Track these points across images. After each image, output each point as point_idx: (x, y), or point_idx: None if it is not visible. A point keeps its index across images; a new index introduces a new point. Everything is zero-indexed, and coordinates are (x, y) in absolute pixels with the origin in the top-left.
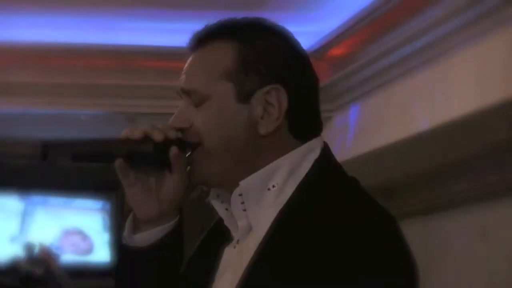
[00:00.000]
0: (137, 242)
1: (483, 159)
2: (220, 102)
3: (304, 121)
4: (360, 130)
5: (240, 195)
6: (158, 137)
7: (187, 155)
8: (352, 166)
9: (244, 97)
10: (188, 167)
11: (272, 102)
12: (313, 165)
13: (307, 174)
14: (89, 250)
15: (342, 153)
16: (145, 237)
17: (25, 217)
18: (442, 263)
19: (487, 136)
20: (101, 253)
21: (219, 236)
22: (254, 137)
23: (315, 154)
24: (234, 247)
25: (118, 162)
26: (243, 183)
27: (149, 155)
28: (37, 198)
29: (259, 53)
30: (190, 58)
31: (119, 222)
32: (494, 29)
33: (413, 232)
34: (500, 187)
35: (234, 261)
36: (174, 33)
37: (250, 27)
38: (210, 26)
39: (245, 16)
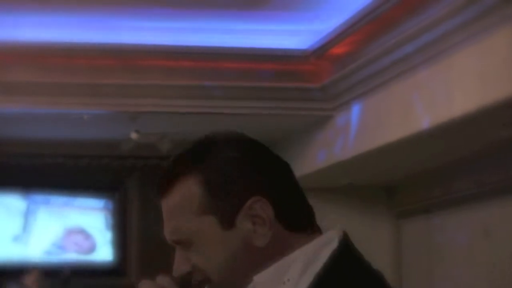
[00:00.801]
0: None
1: (485, 158)
2: (209, 238)
3: (296, 214)
4: (361, 129)
5: None
6: None
7: None
8: (354, 164)
9: (229, 222)
10: None
11: (258, 214)
12: (330, 257)
13: (323, 266)
14: (92, 249)
15: (343, 152)
16: None
17: (27, 216)
18: (444, 260)
19: (489, 134)
20: (103, 251)
21: None
22: (255, 252)
23: (333, 245)
24: None
25: None
26: (257, 278)
27: None
28: (39, 197)
29: (225, 175)
30: (162, 206)
31: (121, 220)
32: (496, 27)
33: (416, 230)
34: (502, 185)
35: None
36: (176, 32)
37: (203, 153)
38: (168, 168)
39: (195, 140)
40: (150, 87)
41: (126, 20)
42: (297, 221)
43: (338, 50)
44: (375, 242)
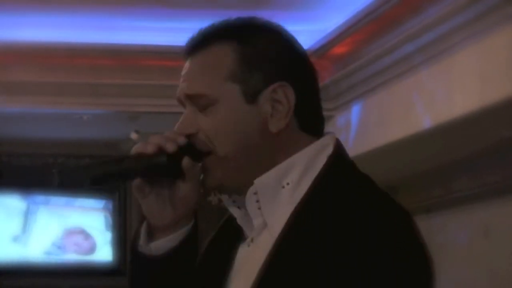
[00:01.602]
0: (153, 250)
1: (486, 157)
2: (228, 105)
3: (312, 114)
4: (362, 129)
5: (255, 193)
6: (171, 148)
7: (200, 163)
8: None
9: (252, 97)
10: (202, 175)
11: (280, 99)
12: (327, 162)
13: (321, 171)
14: (92, 249)
15: None
16: (161, 245)
17: (27, 216)
18: (445, 260)
19: (490, 134)
20: (103, 252)
21: (231, 234)
22: (266, 136)
23: (329, 150)
24: (248, 245)
25: (137, 182)
26: (258, 181)
27: (163, 167)
28: (39, 198)
29: (260, 51)
30: (187, 64)
31: (121, 221)
32: (497, 27)
33: None
34: (502, 185)
35: (248, 260)
36: (176, 32)
37: (246, 26)
38: (206, 30)
39: (238, 16)
40: (150, 87)
41: (127, 20)
42: (311, 122)
43: (338, 50)
44: None
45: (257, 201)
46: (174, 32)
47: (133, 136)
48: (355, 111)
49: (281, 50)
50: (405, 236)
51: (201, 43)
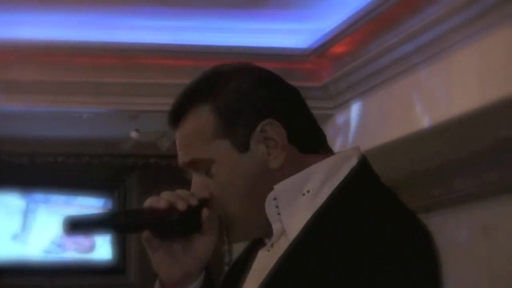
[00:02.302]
0: None
1: (485, 156)
2: (224, 162)
3: (308, 136)
4: (361, 128)
5: (275, 199)
6: (181, 206)
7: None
8: None
9: (244, 145)
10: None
11: (271, 136)
12: (350, 173)
13: (343, 181)
14: (91, 247)
15: None
16: None
17: (27, 214)
18: (445, 259)
19: (489, 133)
20: (103, 250)
21: (257, 244)
22: (270, 175)
23: (352, 162)
24: (268, 250)
25: (146, 234)
26: (278, 187)
27: (174, 223)
28: (39, 196)
29: (235, 100)
30: (177, 136)
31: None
32: (496, 26)
33: None
34: (501, 184)
35: (264, 264)
36: (177, 31)
37: (213, 82)
38: (179, 101)
39: (203, 71)
40: (150, 86)
41: (128, 18)
42: (310, 143)
43: (338, 49)
44: None
45: (276, 206)
46: (175, 30)
47: (133, 134)
48: (354, 110)
49: (253, 89)
50: (420, 254)
51: (179, 115)
